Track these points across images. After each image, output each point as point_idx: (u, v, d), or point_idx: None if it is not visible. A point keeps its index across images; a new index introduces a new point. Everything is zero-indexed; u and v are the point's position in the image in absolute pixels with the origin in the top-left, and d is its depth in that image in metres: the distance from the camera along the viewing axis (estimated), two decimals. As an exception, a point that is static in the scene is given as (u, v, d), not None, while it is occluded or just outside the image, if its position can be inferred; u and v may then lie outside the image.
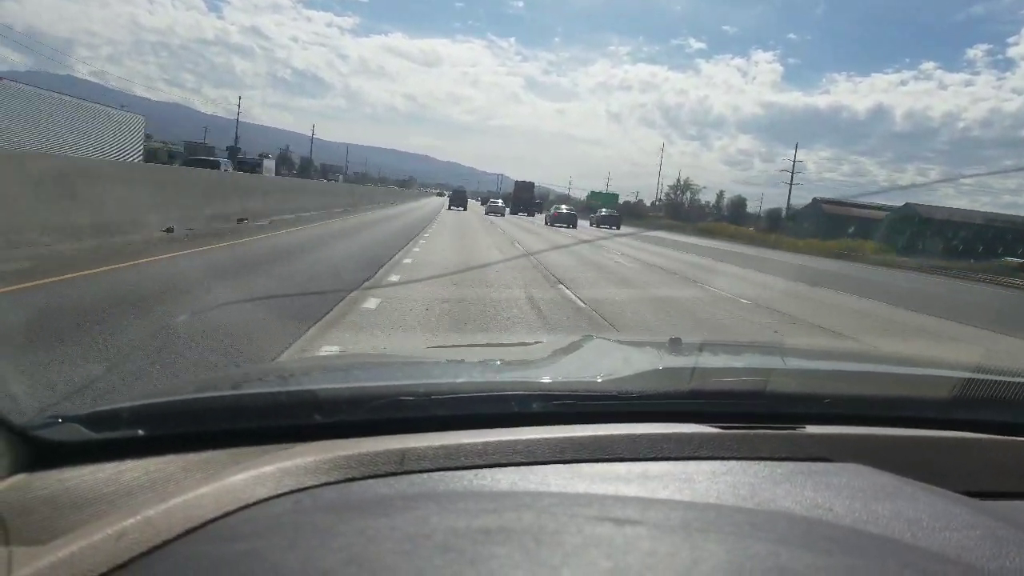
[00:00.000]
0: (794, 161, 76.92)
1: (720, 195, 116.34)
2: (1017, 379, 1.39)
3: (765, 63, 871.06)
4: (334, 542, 0.69)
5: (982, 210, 65.80)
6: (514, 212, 64.87)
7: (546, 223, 45.87)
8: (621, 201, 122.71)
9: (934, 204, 64.49)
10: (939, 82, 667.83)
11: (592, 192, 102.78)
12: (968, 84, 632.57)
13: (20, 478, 0.86)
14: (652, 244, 27.53)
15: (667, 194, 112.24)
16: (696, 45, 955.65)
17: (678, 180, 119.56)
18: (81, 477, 0.87)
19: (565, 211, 48.41)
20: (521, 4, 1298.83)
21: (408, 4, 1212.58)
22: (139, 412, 1.02)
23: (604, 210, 58.52)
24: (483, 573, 0.62)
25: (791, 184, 75.74)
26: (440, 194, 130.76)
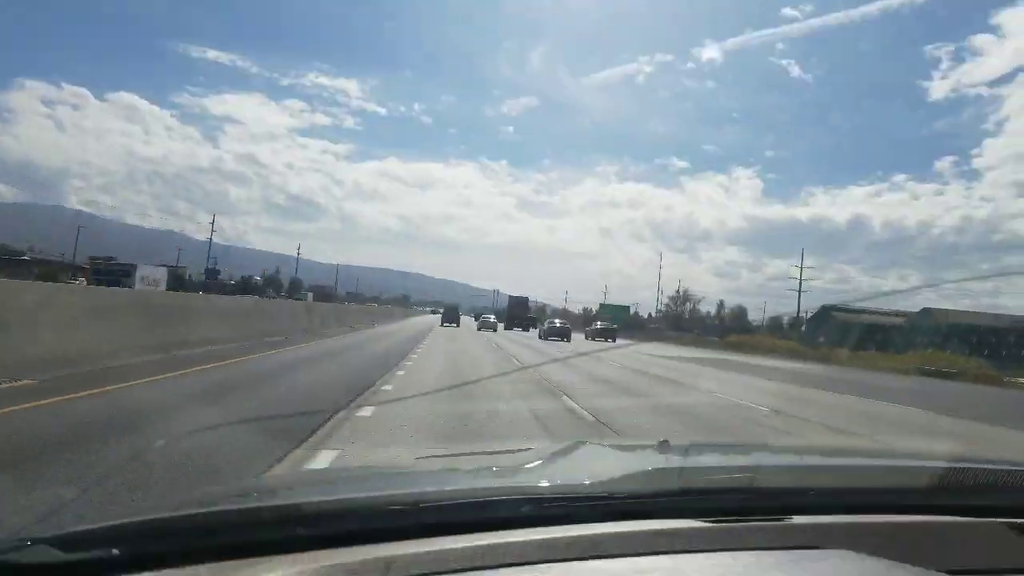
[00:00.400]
0: (801, 268, 73.64)
1: (720, 305, 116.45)
2: (989, 466, 1.48)
3: (746, 179, 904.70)
4: None
5: (975, 311, 65.72)
6: (508, 328, 65.02)
7: (540, 337, 45.80)
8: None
9: (948, 308, 63.76)
10: (911, 193, 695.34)
11: (603, 304, 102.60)
12: (939, 194, 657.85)
13: None
14: (699, 366, 23.36)
15: (667, 305, 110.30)
16: (679, 164, 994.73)
17: (677, 291, 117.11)
18: None
19: (559, 325, 48.23)
20: (512, 129, 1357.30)
21: (402, 132, 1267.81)
22: (114, 532, 1.00)
23: (600, 323, 57.33)
24: None
25: (800, 291, 71.96)
26: (434, 311, 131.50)
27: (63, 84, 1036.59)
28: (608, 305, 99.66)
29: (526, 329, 62.91)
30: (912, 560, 1.01)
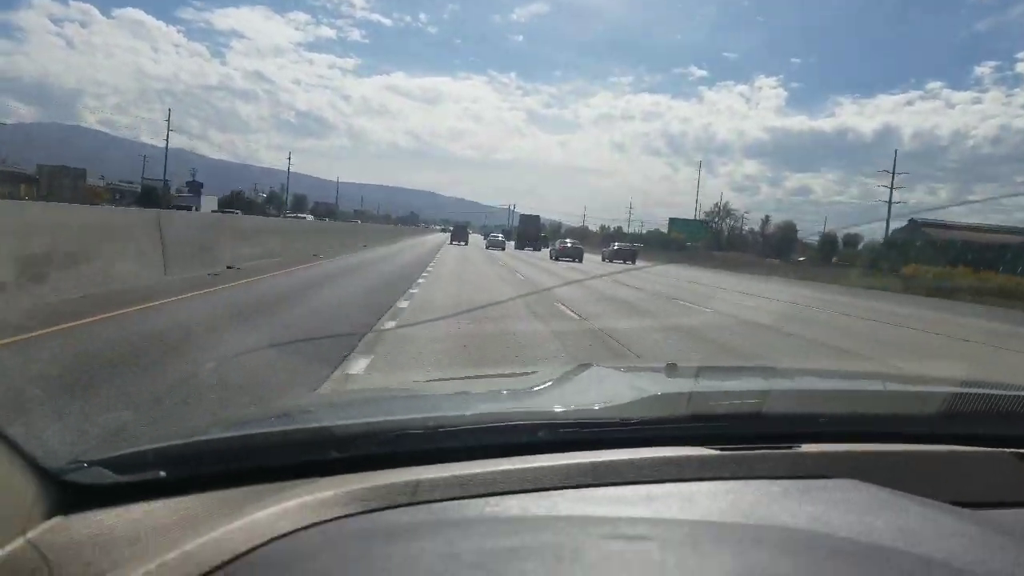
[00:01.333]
0: (893, 174, 62.21)
1: (766, 220, 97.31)
2: (1001, 392, 1.45)
3: (769, 88, 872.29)
4: (370, 567, 0.74)
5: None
6: (519, 247, 63.12)
7: (551, 257, 44.68)
8: (646, 231, 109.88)
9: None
10: (946, 101, 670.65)
11: (673, 219, 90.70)
12: (976, 102, 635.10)
13: (57, 521, 0.89)
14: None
15: (705, 221, 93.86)
16: (698, 73, 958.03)
17: (716, 205, 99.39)
18: (114, 519, 0.90)
19: (569, 245, 47.04)
20: (521, 38, 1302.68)
21: (408, 44, 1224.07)
22: (161, 454, 1.04)
23: (617, 244, 52.44)
24: None
25: (890, 203, 61.19)
26: (444, 230, 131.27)
27: (69, 1, 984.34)
28: (680, 220, 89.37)
29: (537, 249, 60.61)
30: (919, 490, 1.02)
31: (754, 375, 2.12)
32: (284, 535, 0.84)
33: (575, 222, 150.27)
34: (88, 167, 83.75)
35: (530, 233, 68.00)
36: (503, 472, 0.99)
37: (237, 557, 0.80)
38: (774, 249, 76.40)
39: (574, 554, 0.73)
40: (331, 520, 0.87)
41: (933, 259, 42.62)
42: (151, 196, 72.01)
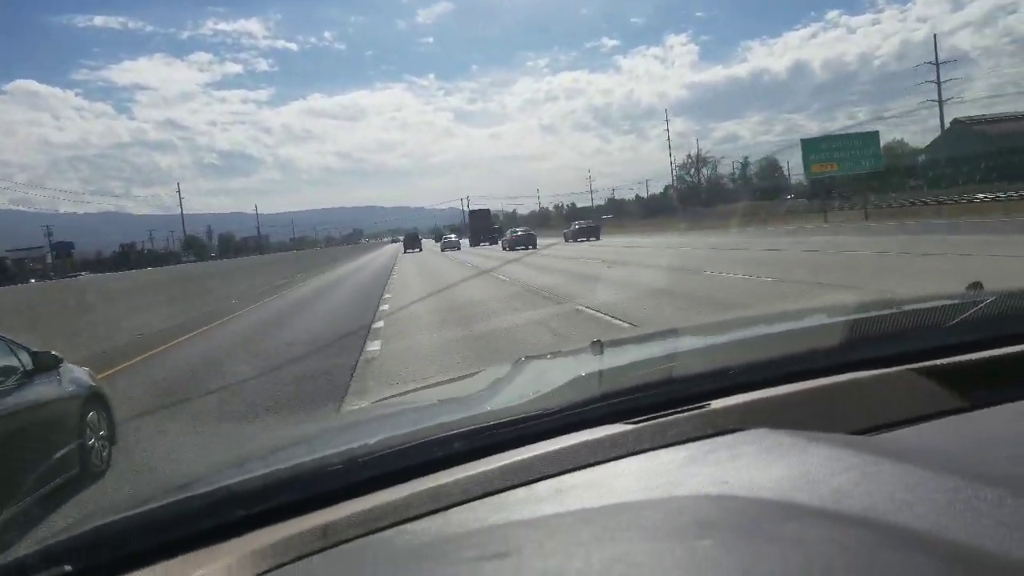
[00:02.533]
0: (936, 65, 55.33)
1: (744, 163, 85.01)
2: (894, 310, 1.46)
3: (680, 46, 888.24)
4: None
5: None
6: (474, 243, 62.13)
7: (503, 248, 43.73)
8: (603, 202, 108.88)
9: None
10: (847, 27, 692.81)
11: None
12: (875, 23, 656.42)
13: None
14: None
15: (678, 177, 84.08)
16: (610, 43, 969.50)
17: (689, 156, 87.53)
18: None
19: (521, 233, 45.73)
20: (431, 40, 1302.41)
21: (319, 65, 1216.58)
22: (51, 551, 0.99)
23: (578, 223, 51.55)
24: None
25: (940, 100, 54.28)
26: (394, 240, 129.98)
27: None
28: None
29: (494, 242, 58.28)
30: (829, 426, 1.01)
31: (664, 338, 1.99)
32: None
33: (526, 210, 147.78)
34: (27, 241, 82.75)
35: (482, 227, 66.14)
36: (417, 494, 0.95)
37: None
38: (762, 193, 67.68)
39: None
40: None
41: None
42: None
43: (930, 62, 58.86)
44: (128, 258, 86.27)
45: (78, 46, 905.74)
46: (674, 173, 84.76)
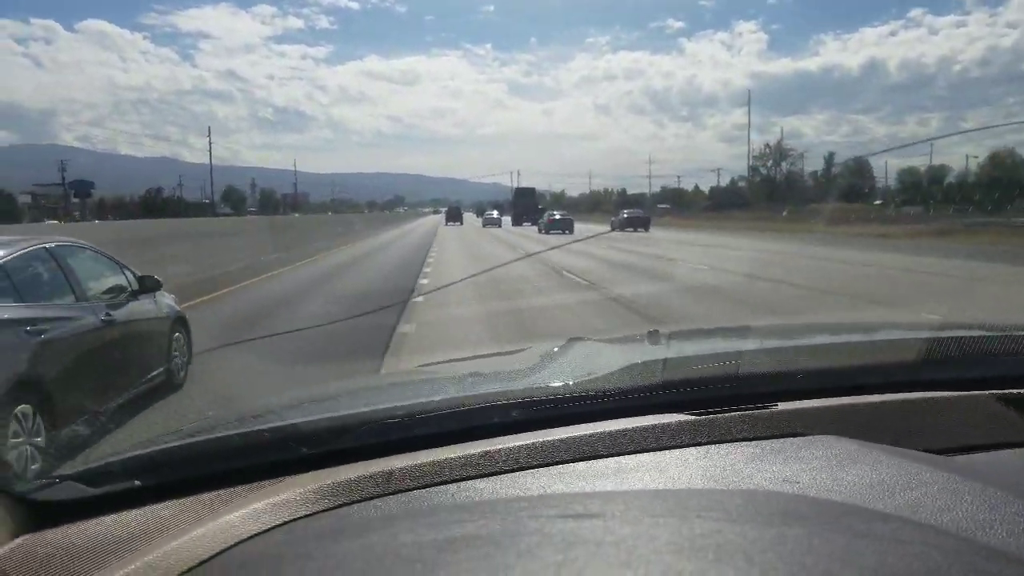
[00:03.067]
0: None
1: (829, 158, 77.01)
2: (977, 333, 1.45)
3: (749, 33, 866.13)
4: (338, 564, 0.73)
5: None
6: (516, 223, 59.49)
7: (539, 231, 42.19)
8: (658, 190, 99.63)
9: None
10: (929, 27, 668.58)
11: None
12: (960, 25, 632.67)
13: (23, 540, 0.91)
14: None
15: (753, 168, 76.30)
16: (676, 25, 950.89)
17: (767, 146, 78.22)
18: (83, 532, 0.91)
19: (559, 216, 43.96)
20: (492, 8, 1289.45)
21: (378, 25, 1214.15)
22: (130, 463, 1.05)
23: (627, 212, 46.27)
24: None
25: None
26: (436, 211, 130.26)
27: (31, 19, 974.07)
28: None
29: (535, 222, 53.66)
30: (897, 441, 1.01)
31: (731, 335, 2.05)
32: (253, 536, 0.84)
33: (574, 191, 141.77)
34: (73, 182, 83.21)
35: (526, 206, 62.88)
36: (477, 455, 0.98)
37: (204, 561, 0.80)
38: (844, 194, 61.68)
39: (512, 540, 0.70)
40: (300, 518, 0.87)
41: None
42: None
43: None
44: (155, 204, 79.14)
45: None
46: (750, 163, 77.01)
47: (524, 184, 76.67)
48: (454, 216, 68.15)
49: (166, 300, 6.21)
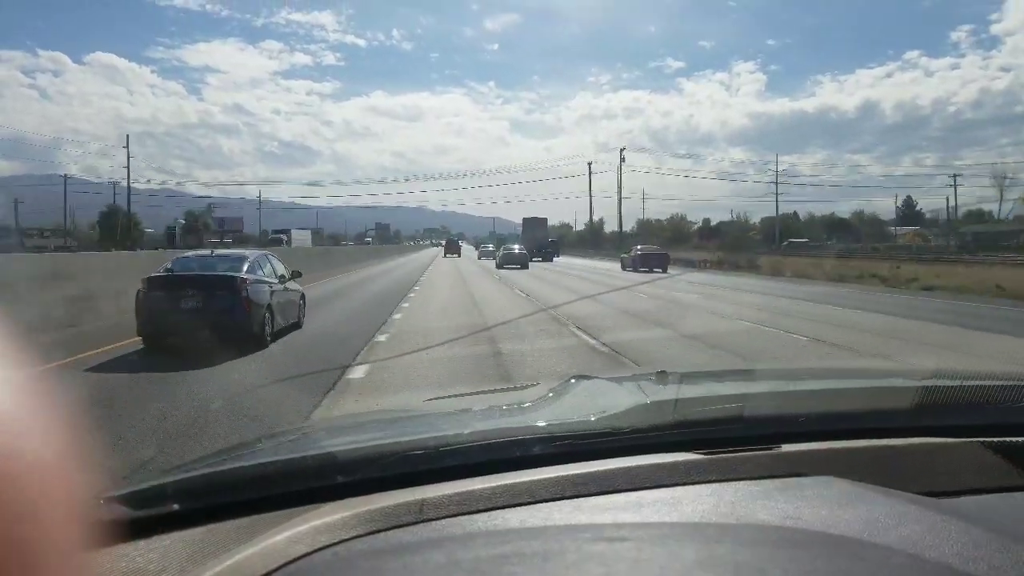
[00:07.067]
0: None
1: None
2: (969, 383, 1.54)
3: (747, 73, 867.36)
4: None
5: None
6: (530, 257, 46.72)
7: (496, 266, 38.35)
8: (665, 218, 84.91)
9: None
10: (924, 70, 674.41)
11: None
12: (954, 68, 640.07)
13: None
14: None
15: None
16: (675, 64, 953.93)
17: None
18: (131, 553, 0.93)
19: (516, 251, 40.53)
20: (496, 47, 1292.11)
21: (384, 63, 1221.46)
22: (176, 487, 1.11)
23: (641, 248, 38.62)
24: None
25: None
26: (435, 244, 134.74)
27: (39, 51, 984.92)
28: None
29: (548, 258, 48.74)
30: (893, 483, 1.06)
31: (736, 378, 2.20)
32: (298, 558, 0.86)
33: (580, 224, 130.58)
34: (83, 214, 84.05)
35: (536, 238, 53.77)
36: (502, 487, 1.04)
37: None
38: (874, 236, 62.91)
39: (559, 556, 0.78)
40: (341, 542, 0.90)
41: None
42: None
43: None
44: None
45: (157, 23, 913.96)
46: (778, 202, 78.22)
47: (532, 215, 65.08)
48: (452, 249, 73.45)
49: (296, 284, 11.97)
